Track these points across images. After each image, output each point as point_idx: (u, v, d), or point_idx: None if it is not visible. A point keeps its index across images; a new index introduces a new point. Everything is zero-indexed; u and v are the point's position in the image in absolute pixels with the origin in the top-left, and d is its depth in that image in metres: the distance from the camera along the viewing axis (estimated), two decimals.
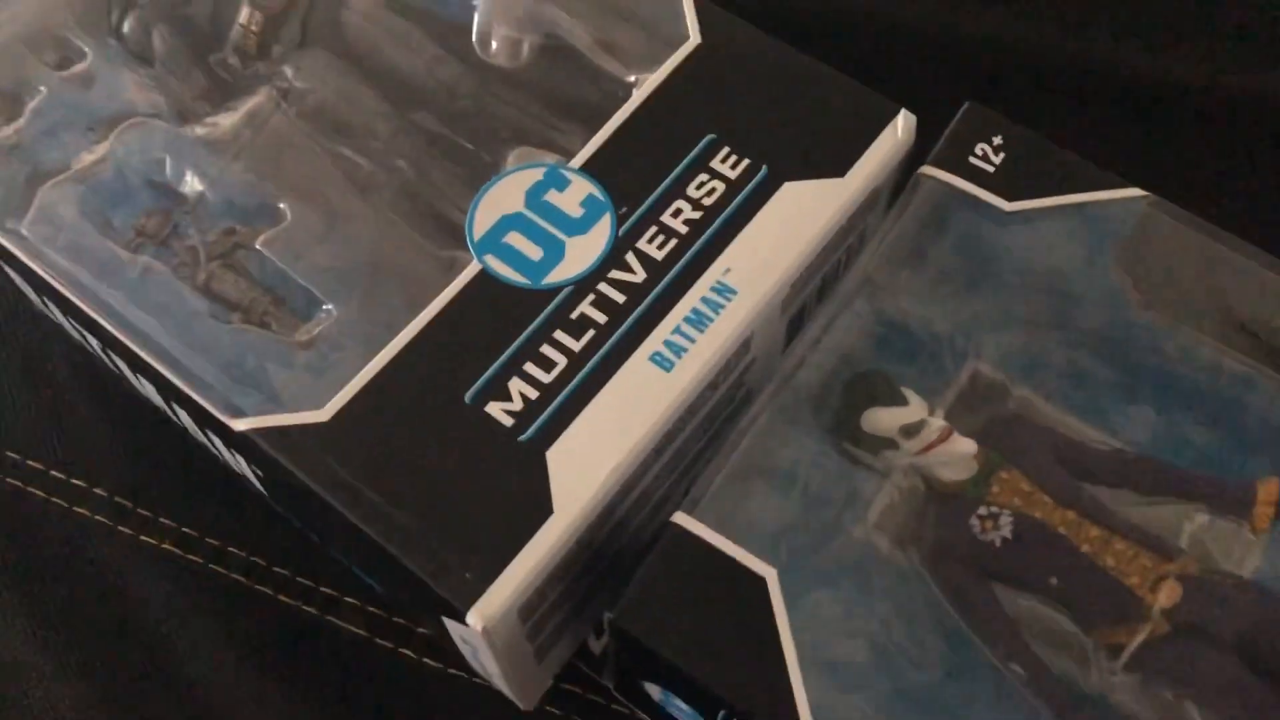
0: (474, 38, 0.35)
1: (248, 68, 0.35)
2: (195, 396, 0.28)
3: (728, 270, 0.29)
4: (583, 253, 0.29)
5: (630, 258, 0.29)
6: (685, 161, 0.30)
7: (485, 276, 0.29)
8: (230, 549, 0.34)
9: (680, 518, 0.27)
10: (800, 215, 0.30)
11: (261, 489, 0.31)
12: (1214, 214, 0.30)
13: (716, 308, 0.28)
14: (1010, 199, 0.30)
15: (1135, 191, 0.30)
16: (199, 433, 0.31)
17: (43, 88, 0.33)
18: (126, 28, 0.36)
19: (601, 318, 0.28)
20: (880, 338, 0.29)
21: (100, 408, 0.36)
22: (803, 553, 0.27)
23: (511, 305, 0.29)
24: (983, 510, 0.27)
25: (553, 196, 0.30)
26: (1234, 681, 0.25)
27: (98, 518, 0.35)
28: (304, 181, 0.32)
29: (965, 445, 0.28)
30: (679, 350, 0.28)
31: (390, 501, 0.26)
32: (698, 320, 0.28)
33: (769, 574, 0.26)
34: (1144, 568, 0.27)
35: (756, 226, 0.29)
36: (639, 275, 0.29)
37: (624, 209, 0.30)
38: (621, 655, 0.28)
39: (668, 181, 0.30)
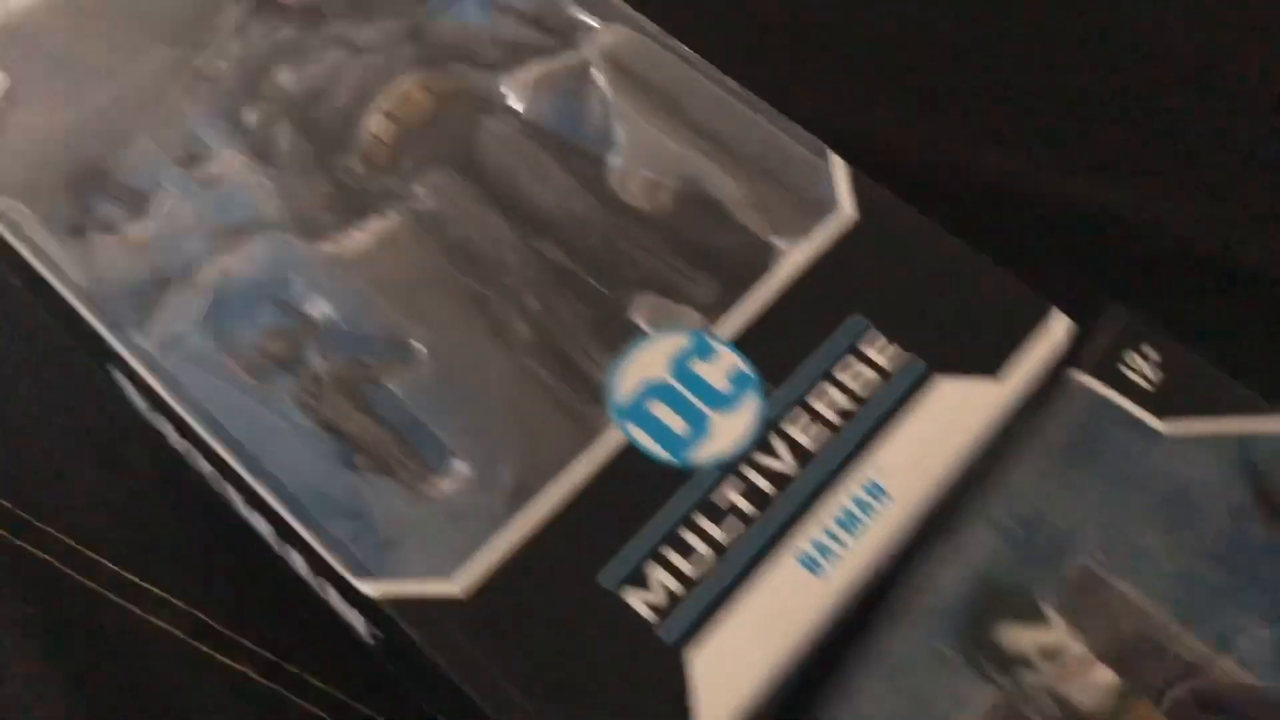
0: (609, 175, 0.34)
1: (373, 179, 0.34)
2: (321, 551, 0.27)
3: (880, 470, 0.28)
4: (729, 431, 0.28)
5: (778, 443, 0.28)
6: (836, 343, 0.30)
7: (627, 446, 0.28)
8: (309, 679, 0.33)
9: None
10: (955, 416, 0.29)
11: (368, 639, 0.30)
12: None
13: (868, 510, 0.27)
14: (1163, 418, 0.29)
15: None
16: (310, 577, 0.30)
17: (171, 187, 0.32)
18: (250, 119, 0.35)
19: (748, 508, 0.27)
20: (1019, 543, 0.28)
21: (184, 512, 0.35)
22: None
23: (653, 481, 0.28)
24: None
25: (699, 366, 0.29)
26: None
27: (174, 630, 0.33)
28: (438, 318, 0.31)
29: (1106, 676, 0.27)
30: (829, 554, 0.27)
31: (523, 692, 0.25)
32: (849, 523, 0.27)
33: None
34: None
35: (910, 424, 0.29)
36: (788, 464, 0.28)
37: (772, 388, 0.29)
38: None
39: (818, 363, 0.29)
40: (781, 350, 0.30)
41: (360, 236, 0.32)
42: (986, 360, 0.30)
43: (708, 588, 0.26)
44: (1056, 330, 0.30)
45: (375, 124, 0.34)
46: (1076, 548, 0.28)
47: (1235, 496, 0.28)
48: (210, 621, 0.33)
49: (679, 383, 0.29)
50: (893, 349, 0.30)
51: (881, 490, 0.28)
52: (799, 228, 0.32)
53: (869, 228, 0.31)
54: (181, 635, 0.33)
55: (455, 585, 0.26)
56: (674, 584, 0.26)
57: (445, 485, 0.28)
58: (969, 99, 0.40)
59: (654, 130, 0.34)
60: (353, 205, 0.33)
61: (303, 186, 0.34)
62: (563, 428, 0.29)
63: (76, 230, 0.31)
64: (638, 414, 0.29)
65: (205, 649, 0.33)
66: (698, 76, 0.34)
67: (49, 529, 0.35)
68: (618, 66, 0.35)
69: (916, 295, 0.30)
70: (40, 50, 0.34)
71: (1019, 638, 0.27)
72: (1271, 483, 0.29)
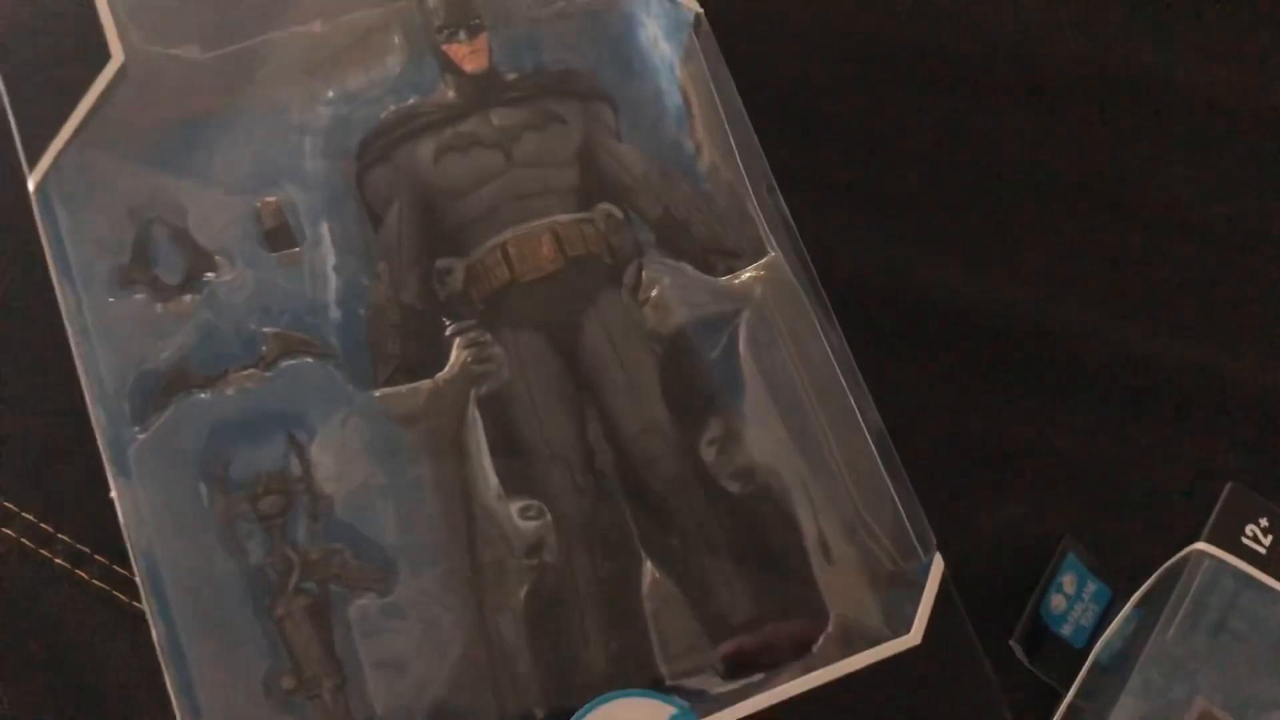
0: (704, 435, 0.29)
1: (463, 310, 0.30)
2: None
3: None
4: None
5: None
6: None
7: None
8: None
9: None
10: None
11: None
12: None
13: None
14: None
15: None
16: None
17: (242, 264, 0.29)
18: (369, 178, 0.31)
19: None
20: (1161, 696, 0.30)
21: None
22: None
23: None
24: None
25: None
26: None
27: None
28: (439, 543, 0.28)
29: None
30: None
31: None
32: None
33: None
34: None
35: None
36: None
37: None
38: None
39: None
40: None
41: (414, 392, 0.29)
42: None
43: None
44: None
45: (490, 258, 0.30)
46: (1204, 695, 0.30)
47: None
48: None
49: None
50: None
51: None
52: (860, 619, 0.28)
53: (928, 663, 0.27)
54: None
55: None
56: None
57: None
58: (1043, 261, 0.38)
59: (773, 412, 0.30)
60: (426, 336, 0.30)
61: (385, 284, 0.30)
62: None
63: (126, 281, 0.28)
64: None
65: None
66: (835, 371, 0.29)
67: None
68: (764, 319, 0.30)
69: None
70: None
71: None
72: None
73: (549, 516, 0.28)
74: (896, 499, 0.29)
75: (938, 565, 0.28)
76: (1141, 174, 0.39)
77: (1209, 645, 0.31)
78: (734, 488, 0.29)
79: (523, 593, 0.28)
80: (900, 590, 0.28)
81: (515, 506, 0.29)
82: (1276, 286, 0.38)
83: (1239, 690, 0.31)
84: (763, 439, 0.29)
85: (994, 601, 0.32)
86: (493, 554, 0.28)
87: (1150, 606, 0.32)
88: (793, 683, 0.27)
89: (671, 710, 0.26)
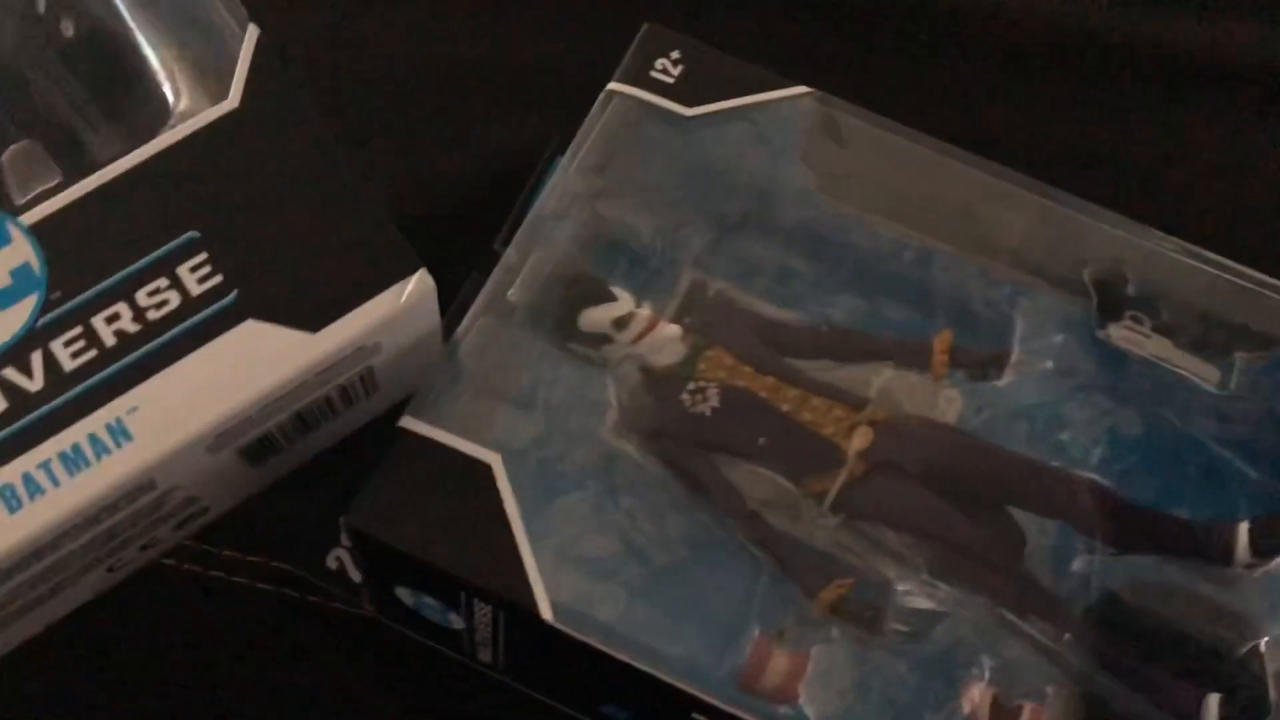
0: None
1: None
2: None
3: (134, 409, 0.25)
4: None
5: (36, 358, 0.25)
6: (152, 256, 0.26)
7: None
8: None
9: (409, 422, 0.28)
10: (248, 365, 0.26)
11: None
12: (878, 107, 0.33)
13: (102, 451, 0.25)
14: (690, 105, 0.33)
15: (802, 89, 0.33)
16: None
17: None
18: None
19: None
20: (588, 248, 0.31)
21: None
22: (549, 460, 0.29)
23: None
24: (691, 386, 0.30)
25: None
26: (923, 506, 0.29)
27: None
28: None
29: (671, 330, 0.31)
30: (36, 491, 0.25)
31: None
32: (73, 460, 0.25)
33: (494, 459, 0.28)
34: (838, 419, 0.30)
35: (193, 363, 0.26)
36: (36, 383, 0.25)
37: (58, 294, 0.26)
38: (366, 562, 0.30)
39: (121, 276, 0.26)
40: (91, 254, 0.26)
41: None
42: (314, 311, 0.27)
43: None
44: (412, 293, 0.27)
45: None
46: (652, 250, 0.31)
47: (793, 178, 0.32)
48: None
49: None
50: (214, 277, 0.27)
51: (125, 432, 0.25)
52: (194, 107, 0.28)
53: (249, 126, 0.28)
54: None
55: None
56: None
57: None
58: None
59: None
60: None
61: None
62: None
63: None
64: None
65: None
66: None
67: None
68: None
69: (270, 220, 0.27)
70: None
71: (594, 316, 0.31)
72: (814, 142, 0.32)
73: None
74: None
75: (250, 34, 0.28)
76: None
77: (620, 180, 0.32)
78: (72, 32, 0.29)
79: None
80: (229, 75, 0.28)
81: None
82: None
83: (724, 257, 0.31)
84: None
85: (489, 210, 0.34)
86: None
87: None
88: (113, 166, 0.27)
89: None
